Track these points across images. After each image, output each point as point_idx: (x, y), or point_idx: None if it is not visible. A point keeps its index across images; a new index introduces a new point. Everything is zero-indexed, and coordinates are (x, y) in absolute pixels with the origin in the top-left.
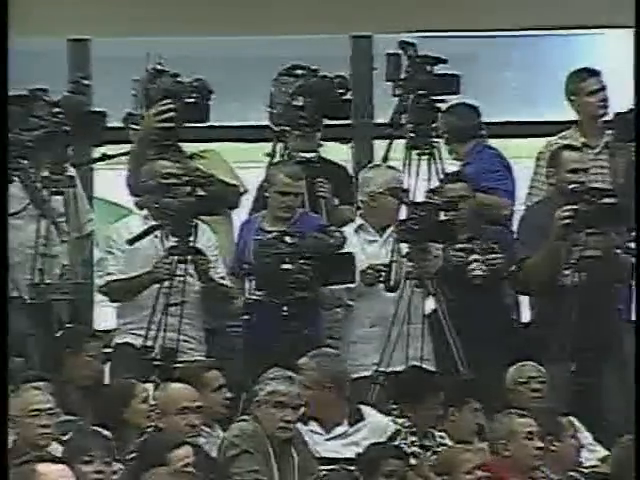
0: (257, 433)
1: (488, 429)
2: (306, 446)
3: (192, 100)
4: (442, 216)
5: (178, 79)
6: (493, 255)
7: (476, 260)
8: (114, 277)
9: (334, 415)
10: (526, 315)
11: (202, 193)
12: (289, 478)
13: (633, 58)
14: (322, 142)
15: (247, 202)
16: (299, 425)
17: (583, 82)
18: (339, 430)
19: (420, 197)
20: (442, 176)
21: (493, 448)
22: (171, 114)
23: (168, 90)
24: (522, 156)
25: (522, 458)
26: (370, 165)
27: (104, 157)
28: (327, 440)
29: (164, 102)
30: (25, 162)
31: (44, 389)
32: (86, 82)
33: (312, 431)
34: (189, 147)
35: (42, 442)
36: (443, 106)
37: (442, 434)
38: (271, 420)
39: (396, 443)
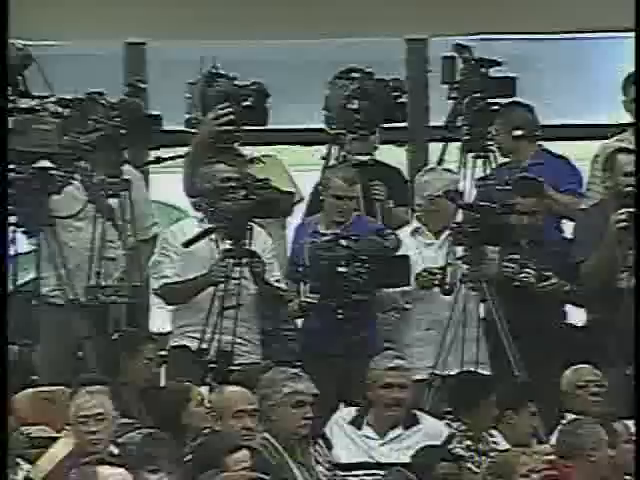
0: (269, 447)
1: (565, 433)
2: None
3: (250, 103)
4: (499, 219)
5: (235, 82)
6: (546, 274)
7: (527, 267)
8: (170, 280)
9: (390, 417)
10: (582, 318)
11: (257, 197)
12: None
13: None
14: (377, 145)
15: (302, 207)
16: (353, 430)
17: (632, 86)
18: (393, 433)
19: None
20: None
21: (568, 453)
22: (230, 117)
23: (225, 93)
24: (578, 159)
25: (604, 466)
26: (426, 168)
27: (158, 160)
28: (381, 445)
29: (223, 105)
30: (84, 164)
31: (99, 392)
32: (142, 85)
33: (366, 436)
34: (246, 150)
35: (93, 448)
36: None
37: (495, 439)
38: (292, 420)
39: (450, 446)
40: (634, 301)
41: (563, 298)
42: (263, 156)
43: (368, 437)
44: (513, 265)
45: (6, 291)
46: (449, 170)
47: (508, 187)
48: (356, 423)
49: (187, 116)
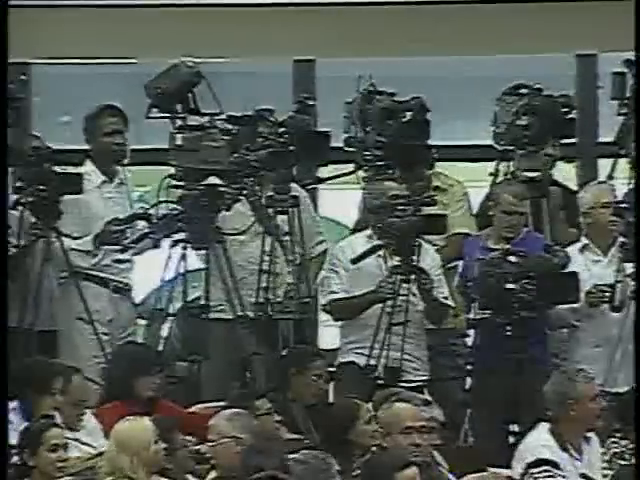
0: None
1: None
2: None
3: (409, 118)
4: None
5: (395, 98)
6: None
7: None
8: (338, 296)
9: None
10: None
11: (426, 213)
12: None
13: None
14: (550, 160)
15: None
16: (562, 455)
17: None
18: (585, 450)
19: None
20: None
21: None
22: (390, 133)
23: (386, 109)
24: None
25: None
26: (588, 184)
27: (319, 180)
28: (584, 465)
29: (385, 122)
30: (252, 180)
31: (237, 415)
32: (311, 102)
33: (574, 457)
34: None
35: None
36: None
37: None
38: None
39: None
40: (635, 306)
41: None
42: (452, 184)
43: (575, 458)
44: None
45: (6, 292)
46: (604, 182)
47: None
48: (561, 446)
49: (345, 135)
